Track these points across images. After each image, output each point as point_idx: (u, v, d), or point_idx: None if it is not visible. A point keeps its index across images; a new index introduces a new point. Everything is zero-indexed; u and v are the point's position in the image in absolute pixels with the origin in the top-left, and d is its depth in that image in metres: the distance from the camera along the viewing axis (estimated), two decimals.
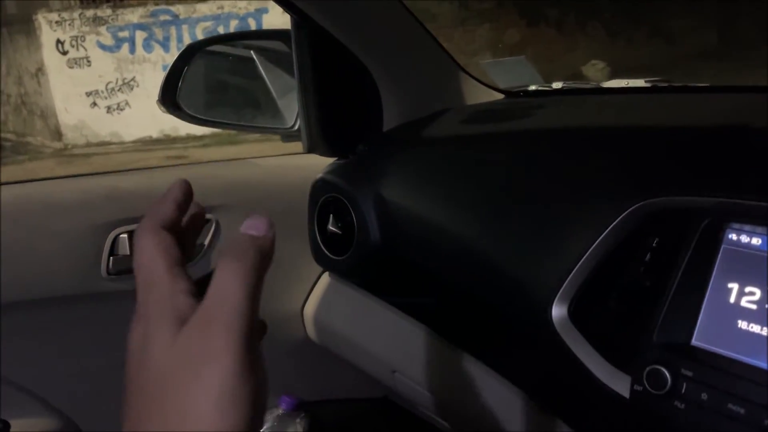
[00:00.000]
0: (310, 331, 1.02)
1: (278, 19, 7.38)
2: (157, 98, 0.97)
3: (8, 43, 8.53)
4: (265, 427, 1.00)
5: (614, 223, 0.60)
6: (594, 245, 0.60)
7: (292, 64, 0.96)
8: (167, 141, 7.83)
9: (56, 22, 7.76)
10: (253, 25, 7.62)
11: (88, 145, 7.89)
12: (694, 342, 0.52)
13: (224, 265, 0.33)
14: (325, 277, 1.01)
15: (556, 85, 1.18)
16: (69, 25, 7.76)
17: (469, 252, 0.74)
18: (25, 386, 0.91)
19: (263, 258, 0.34)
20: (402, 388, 0.86)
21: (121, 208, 0.89)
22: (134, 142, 7.91)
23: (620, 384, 0.55)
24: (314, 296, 1.01)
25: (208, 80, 1.07)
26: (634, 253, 0.59)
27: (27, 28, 7.96)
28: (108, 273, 0.92)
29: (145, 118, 7.83)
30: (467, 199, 0.77)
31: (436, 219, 0.80)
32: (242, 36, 1.32)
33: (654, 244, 0.58)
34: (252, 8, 7.63)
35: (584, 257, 0.60)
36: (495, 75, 1.16)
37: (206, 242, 0.94)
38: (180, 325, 0.32)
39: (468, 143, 0.90)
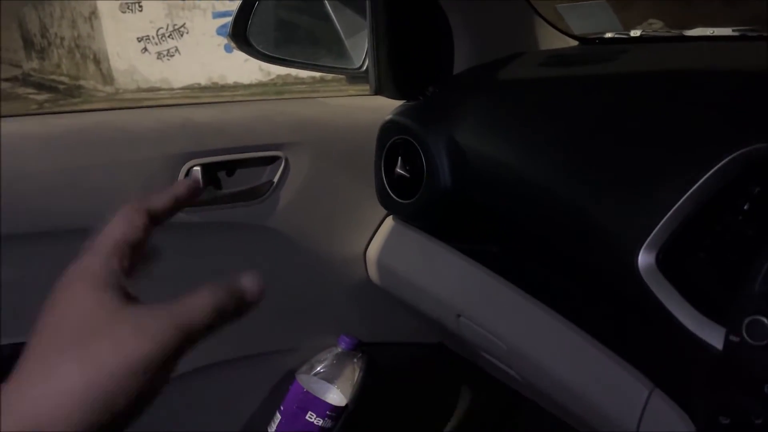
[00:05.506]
0: (372, 273, 1.02)
1: None
2: (228, 33, 0.95)
3: None
4: (323, 363, 1.01)
5: (713, 170, 0.57)
6: (689, 192, 0.57)
7: (362, 3, 0.93)
8: (215, 88, 7.87)
9: None
10: None
11: (138, 90, 7.98)
12: None
13: (206, 290, 0.35)
14: (389, 221, 1.00)
15: (634, 33, 1.13)
16: None
17: (548, 198, 0.71)
18: None
19: (237, 306, 0.35)
20: (466, 333, 0.86)
21: (195, 140, 0.89)
22: (183, 88, 7.98)
23: (712, 335, 0.53)
24: (378, 239, 1.01)
25: (276, 18, 1.05)
26: (734, 202, 0.56)
27: None
28: None
29: (194, 65, 7.87)
30: (547, 144, 0.75)
31: (512, 163, 0.78)
32: None
33: (756, 193, 0.55)
34: None
35: (677, 204, 0.58)
36: (571, 20, 1.12)
37: (275, 179, 0.94)
38: (122, 296, 0.34)
39: (546, 87, 0.86)
